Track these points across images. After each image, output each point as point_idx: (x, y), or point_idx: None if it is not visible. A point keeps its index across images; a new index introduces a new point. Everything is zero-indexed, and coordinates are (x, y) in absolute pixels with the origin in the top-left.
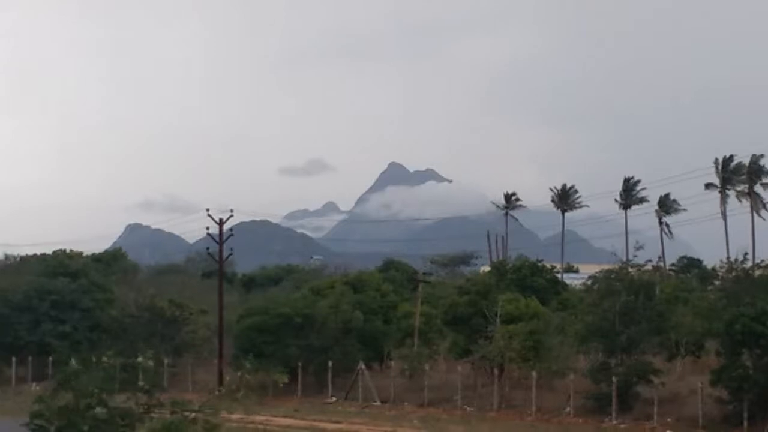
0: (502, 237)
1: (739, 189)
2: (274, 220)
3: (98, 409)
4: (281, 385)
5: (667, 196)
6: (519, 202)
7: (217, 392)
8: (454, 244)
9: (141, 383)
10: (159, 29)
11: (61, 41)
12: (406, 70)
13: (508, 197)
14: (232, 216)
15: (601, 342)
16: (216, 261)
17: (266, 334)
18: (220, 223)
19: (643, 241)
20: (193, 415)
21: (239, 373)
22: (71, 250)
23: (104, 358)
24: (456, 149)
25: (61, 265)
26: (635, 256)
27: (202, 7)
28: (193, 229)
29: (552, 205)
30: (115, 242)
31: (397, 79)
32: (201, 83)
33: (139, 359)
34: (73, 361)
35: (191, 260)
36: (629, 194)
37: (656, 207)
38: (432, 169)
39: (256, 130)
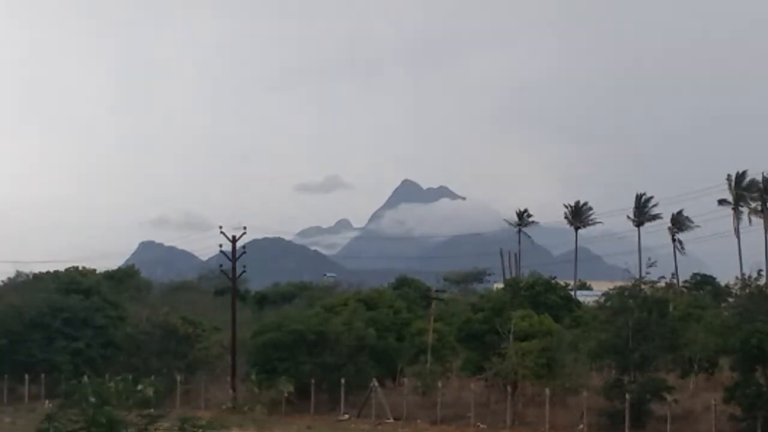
0: (515, 254)
1: (752, 206)
2: (287, 237)
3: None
4: (286, 394)
5: (680, 213)
6: (531, 219)
7: (224, 407)
8: (467, 261)
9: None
10: (175, 46)
11: (75, 58)
12: (420, 86)
13: (520, 214)
14: (245, 233)
15: (614, 359)
16: (229, 278)
17: (280, 350)
18: (233, 240)
19: (656, 258)
20: (201, 431)
21: (245, 385)
22: (84, 267)
23: (112, 383)
24: (469, 166)
25: (73, 282)
26: (648, 272)
27: (218, 23)
28: (207, 247)
29: (565, 221)
30: (128, 259)
31: (411, 95)
32: (218, 99)
33: (139, 386)
34: (86, 378)
35: (204, 277)
36: (642, 211)
37: (669, 224)
38: (445, 186)
39: (272, 146)
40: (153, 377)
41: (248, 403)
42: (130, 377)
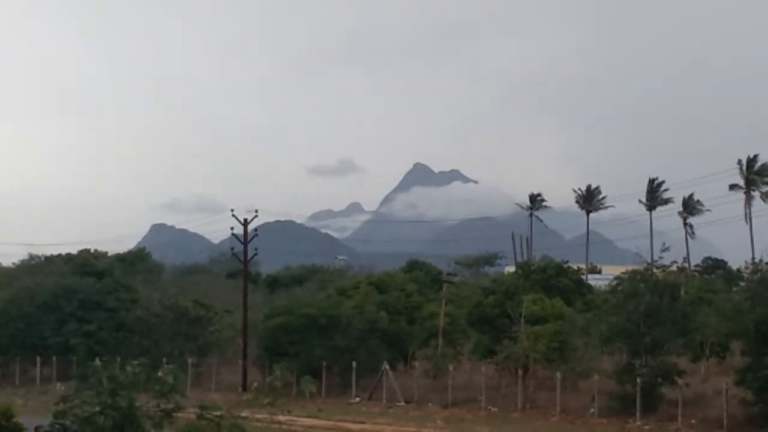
0: (527, 238)
1: (763, 190)
2: (298, 221)
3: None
4: (308, 396)
5: (691, 197)
6: (544, 203)
7: (244, 397)
8: (478, 244)
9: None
10: (187, 30)
11: (86, 43)
12: (432, 71)
13: (533, 198)
14: (256, 216)
15: (625, 343)
16: (240, 261)
17: (291, 334)
18: (245, 223)
19: (668, 242)
20: (219, 420)
21: (268, 379)
22: (96, 250)
23: (128, 368)
24: (480, 150)
25: (86, 264)
26: (661, 257)
27: (232, 7)
28: (218, 229)
29: (577, 205)
30: (139, 242)
31: (423, 79)
32: (231, 83)
33: (159, 373)
34: (97, 361)
35: (216, 260)
36: (654, 195)
37: (680, 208)
38: (457, 170)
39: (285, 130)
40: (165, 360)
41: (269, 396)
42: (148, 362)
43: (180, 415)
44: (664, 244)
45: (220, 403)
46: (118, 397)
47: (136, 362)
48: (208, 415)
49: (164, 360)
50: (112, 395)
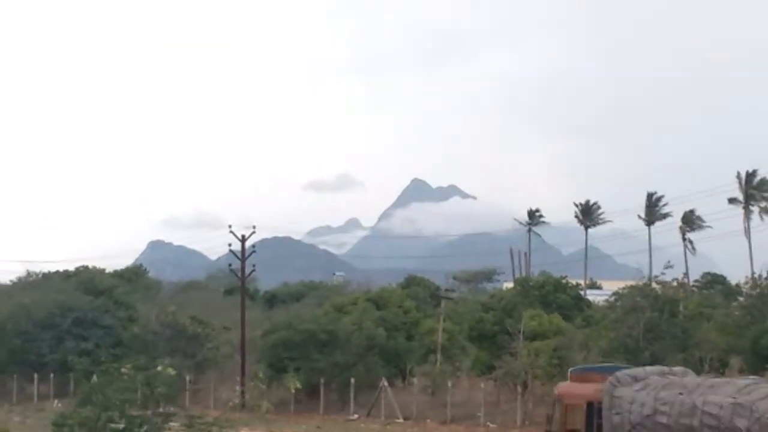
0: (525, 253)
1: (762, 205)
2: (296, 237)
3: (113, 425)
4: (293, 390)
5: (691, 212)
6: (542, 219)
7: (231, 404)
8: (476, 260)
9: (159, 389)
10: (186, 44)
11: (86, 55)
12: (429, 85)
13: (531, 214)
14: (254, 232)
15: (625, 358)
16: (238, 277)
17: (290, 349)
18: (243, 239)
19: (667, 257)
20: (211, 429)
21: (252, 382)
22: (94, 267)
23: (123, 369)
24: (479, 165)
25: (83, 282)
26: (663, 273)
27: (228, 22)
28: (216, 246)
29: (575, 220)
30: (137, 259)
31: (421, 93)
32: (227, 98)
33: (159, 368)
34: (95, 378)
35: (213, 277)
36: (653, 210)
37: (680, 223)
38: (454, 185)
39: (283, 144)
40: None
41: (256, 401)
42: (142, 362)
43: (173, 423)
44: (669, 261)
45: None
46: (114, 403)
47: (130, 362)
48: (199, 422)
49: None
50: (107, 405)
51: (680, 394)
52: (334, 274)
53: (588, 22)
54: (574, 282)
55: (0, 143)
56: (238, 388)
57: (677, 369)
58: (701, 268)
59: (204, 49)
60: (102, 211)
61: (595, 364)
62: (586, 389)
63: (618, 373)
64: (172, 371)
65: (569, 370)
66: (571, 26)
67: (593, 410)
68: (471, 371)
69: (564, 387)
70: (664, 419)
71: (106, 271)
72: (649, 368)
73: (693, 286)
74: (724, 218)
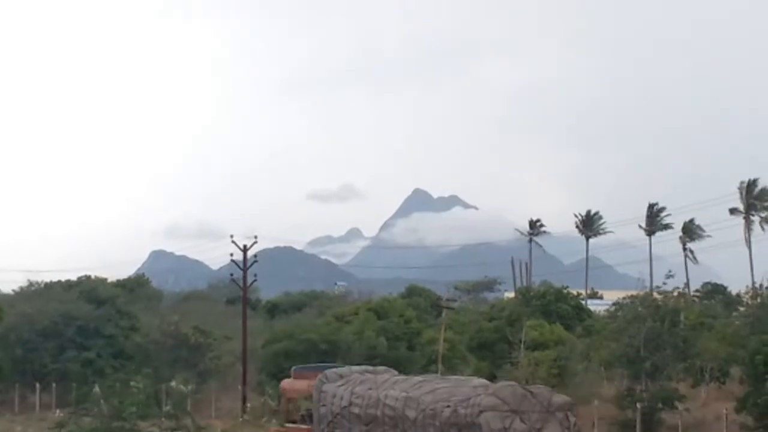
0: (526, 263)
1: (763, 215)
2: (297, 246)
3: None
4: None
5: (691, 221)
6: (543, 229)
7: (240, 419)
8: (477, 270)
9: (167, 408)
10: (188, 54)
11: (88, 64)
12: (431, 95)
13: (532, 224)
14: (256, 242)
15: (626, 368)
16: (240, 287)
17: (292, 359)
18: (244, 249)
19: (668, 267)
20: None
21: (263, 399)
22: (96, 277)
23: (132, 383)
24: (480, 175)
25: (85, 291)
26: (665, 283)
27: (230, 32)
28: (218, 256)
29: (576, 231)
30: (138, 268)
31: (422, 103)
32: (230, 108)
33: (173, 383)
34: (96, 388)
35: (215, 287)
36: (654, 220)
37: (680, 233)
38: (456, 196)
39: (285, 154)
40: (164, 387)
41: (264, 416)
42: (150, 373)
43: None
44: (669, 271)
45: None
46: (124, 417)
47: (138, 376)
48: None
49: (164, 387)
50: (118, 416)
51: (370, 389)
52: (335, 284)
53: (589, 33)
54: (575, 292)
55: (3, 151)
56: (246, 405)
57: (379, 368)
58: (702, 277)
59: (205, 59)
60: (104, 220)
61: (312, 364)
62: (302, 385)
63: (326, 372)
64: (184, 388)
65: (292, 368)
66: (572, 37)
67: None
68: None
69: (286, 383)
70: (356, 410)
71: (108, 280)
72: (354, 367)
73: (694, 296)
74: (724, 228)
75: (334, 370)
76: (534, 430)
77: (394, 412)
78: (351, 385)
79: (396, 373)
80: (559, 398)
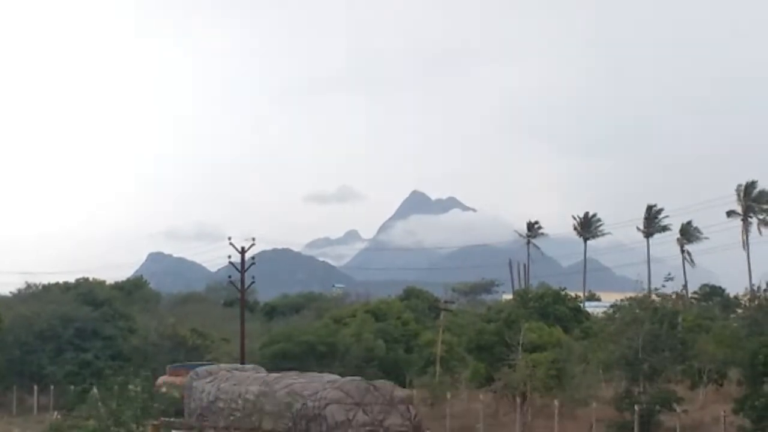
0: (524, 265)
1: (761, 217)
2: (295, 249)
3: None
4: None
5: (689, 223)
6: (541, 231)
7: (231, 417)
8: (475, 272)
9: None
10: (187, 57)
11: (86, 69)
12: (429, 98)
13: (530, 226)
14: (254, 244)
15: (624, 370)
16: (238, 289)
17: (289, 361)
18: (242, 251)
19: (666, 269)
20: None
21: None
22: (94, 279)
23: (131, 386)
24: (478, 177)
25: (82, 293)
26: (664, 286)
27: (229, 35)
28: (216, 258)
29: (574, 233)
30: (136, 270)
31: (420, 106)
32: (228, 110)
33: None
34: (95, 390)
35: (213, 289)
36: (652, 222)
37: (678, 235)
38: (454, 198)
39: (283, 156)
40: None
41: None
42: (149, 375)
43: None
44: (669, 273)
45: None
46: (123, 417)
47: (137, 379)
48: None
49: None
50: (116, 420)
51: (234, 385)
52: (333, 286)
53: (588, 36)
54: (573, 294)
55: (1, 153)
56: None
57: (247, 366)
58: (700, 279)
59: (204, 62)
60: (102, 222)
61: (188, 362)
62: (175, 381)
63: (197, 369)
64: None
65: (168, 366)
66: (570, 40)
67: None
68: (470, 383)
69: (162, 379)
70: (221, 404)
71: (107, 282)
72: (223, 365)
73: (692, 298)
74: (722, 230)
75: (205, 367)
76: (377, 422)
77: (254, 405)
78: (218, 381)
79: (263, 370)
80: (401, 392)
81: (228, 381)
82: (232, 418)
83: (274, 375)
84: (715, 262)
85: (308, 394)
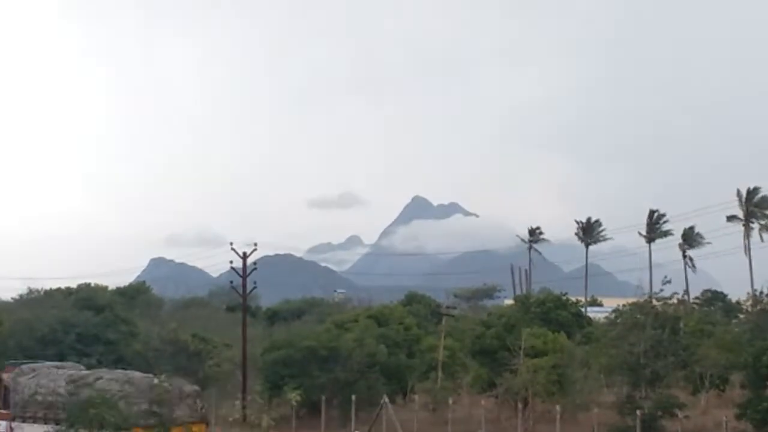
0: (526, 270)
1: (763, 222)
2: (297, 254)
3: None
4: (294, 403)
5: (691, 229)
6: (543, 236)
7: (231, 418)
8: (477, 277)
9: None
10: (188, 62)
11: (87, 73)
12: (431, 104)
13: (532, 231)
14: (255, 250)
15: (626, 375)
16: (240, 294)
17: (291, 366)
18: (244, 256)
19: (667, 274)
20: None
21: (249, 397)
22: (96, 284)
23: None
24: (479, 183)
25: (84, 299)
26: (662, 290)
27: (231, 41)
28: (218, 263)
29: (576, 238)
30: (138, 276)
31: (422, 112)
32: (230, 116)
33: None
34: None
35: (215, 294)
36: (653, 227)
37: (680, 240)
38: (456, 203)
39: (286, 162)
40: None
41: (257, 416)
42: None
43: None
44: (665, 277)
45: None
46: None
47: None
48: None
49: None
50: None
51: (50, 381)
52: (335, 291)
53: (590, 44)
54: (574, 299)
55: (3, 159)
56: (237, 402)
57: (68, 364)
58: (701, 285)
59: (207, 68)
60: (104, 228)
61: (20, 360)
62: (6, 377)
63: (22, 366)
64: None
65: (6, 362)
66: (573, 47)
67: (8, 391)
68: (472, 388)
69: (2, 375)
70: (39, 398)
71: (109, 288)
72: (47, 363)
73: (693, 303)
74: (724, 236)
75: (30, 365)
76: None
77: (65, 399)
78: (38, 377)
79: (82, 368)
80: (189, 388)
81: (46, 377)
82: (45, 411)
83: (84, 372)
84: (717, 268)
85: (112, 390)
